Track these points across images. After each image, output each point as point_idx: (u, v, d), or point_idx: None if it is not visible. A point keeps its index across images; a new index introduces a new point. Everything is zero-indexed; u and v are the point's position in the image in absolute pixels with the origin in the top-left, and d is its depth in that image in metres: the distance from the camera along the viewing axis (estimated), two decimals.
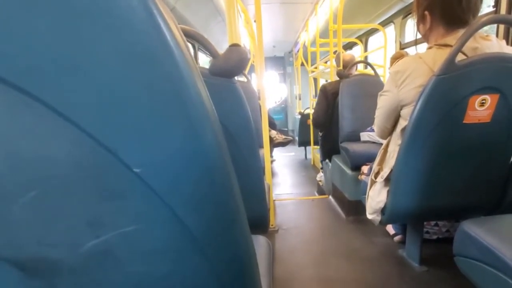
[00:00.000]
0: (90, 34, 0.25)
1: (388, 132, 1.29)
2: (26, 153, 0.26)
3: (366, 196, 1.37)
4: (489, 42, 1.04)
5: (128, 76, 0.26)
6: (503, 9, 1.71)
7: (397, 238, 1.74)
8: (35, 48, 0.24)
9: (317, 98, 2.61)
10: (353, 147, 2.12)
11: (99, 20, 0.25)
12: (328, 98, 2.45)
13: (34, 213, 0.27)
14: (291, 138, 3.93)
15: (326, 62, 4.09)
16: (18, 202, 0.26)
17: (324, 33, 3.91)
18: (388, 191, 1.23)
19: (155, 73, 0.27)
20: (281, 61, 8.56)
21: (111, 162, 0.27)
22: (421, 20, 1.13)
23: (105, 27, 0.25)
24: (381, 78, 2.49)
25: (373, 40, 4.14)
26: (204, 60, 4.33)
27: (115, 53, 0.25)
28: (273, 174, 3.83)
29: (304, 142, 4.84)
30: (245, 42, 4.41)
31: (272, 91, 8.36)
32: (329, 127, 2.52)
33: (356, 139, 2.28)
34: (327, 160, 2.76)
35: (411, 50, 3.07)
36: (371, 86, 2.25)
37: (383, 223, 1.30)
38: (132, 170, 0.28)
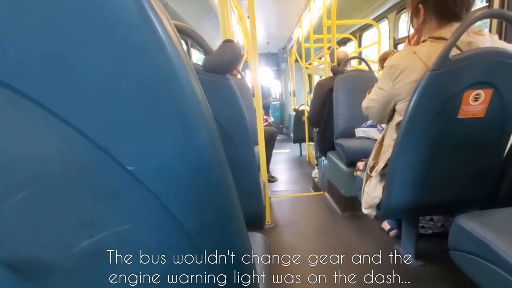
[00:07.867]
0: (80, 30, 0.24)
1: (385, 118, 1.27)
2: (16, 152, 0.25)
3: (362, 191, 1.37)
4: (482, 37, 1.05)
5: (119, 72, 0.25)
6: (496, 4, 1.72)
7: (392, 233, 1.75)
8: (24, 45, 0.23)
9: (312, 95, 2.60)
10: (348, 143, 2.13)
11: (89, 15, 0.24)
12: (325, 94, 2.43)
13: (25, 213, 0.27)
14: (277, 179, 3.73)
15: (320, 58, 4.08)
16: (9, 202, 0.26)
17: (318, 29, 3.90)
18: (383, 187, 1.23)
19: (147, 69, 0.26)
20: (275, 58, 8.53)
21: (103, 160, 0.27)
22: (414, 13, 1.12)
23: (95, 22, 0.24)
24: (375, 74, 2.50)
25: (367, 36, 4.15)
26: (198, 57, 4.30)
27: (106, 49, 0.25)
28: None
29: (299, 139, 4.83)
30: (239, 38, 4.39)
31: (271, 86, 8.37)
32: (326, 123, 2.51)
33: (351, 135, 2.29)
34: (322, 157, 2.77)
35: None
36: (365, 82, 2.24)
37: (379, 218, 1.31)
38: (125, 168, 0.27)
